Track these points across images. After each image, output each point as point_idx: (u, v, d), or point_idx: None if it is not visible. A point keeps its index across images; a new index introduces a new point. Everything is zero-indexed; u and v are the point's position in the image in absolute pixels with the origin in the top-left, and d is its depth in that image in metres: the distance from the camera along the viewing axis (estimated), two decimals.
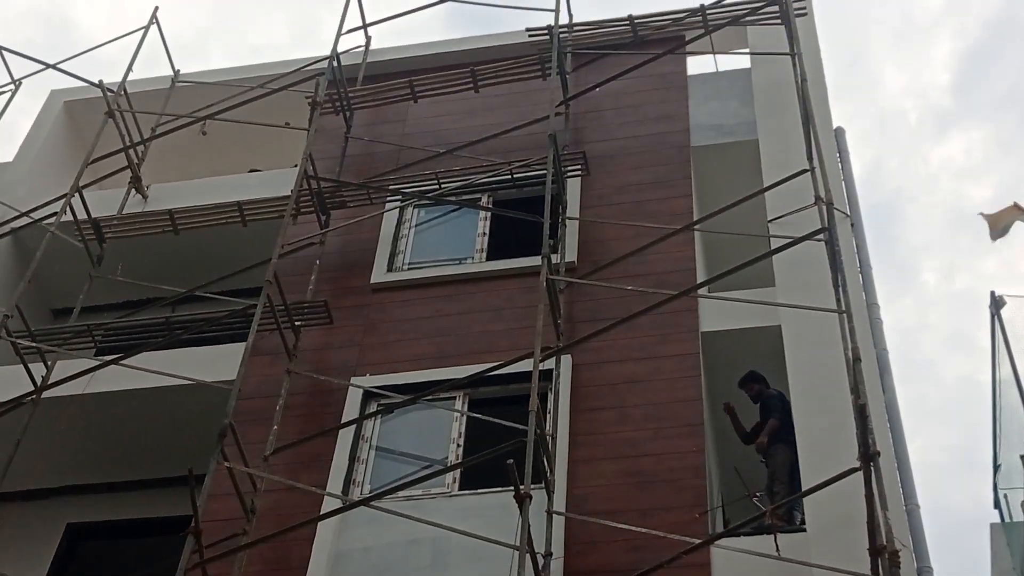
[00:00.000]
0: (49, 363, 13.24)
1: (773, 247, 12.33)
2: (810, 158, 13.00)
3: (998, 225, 17.20)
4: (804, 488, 10.67)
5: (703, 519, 10.82)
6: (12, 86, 17.82)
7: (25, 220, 15.10)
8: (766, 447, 11.96)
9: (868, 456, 9.78)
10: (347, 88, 16.00)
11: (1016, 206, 17.25)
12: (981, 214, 17.42)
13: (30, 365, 13.17)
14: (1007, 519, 16.36)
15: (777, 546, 10.27)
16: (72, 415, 13.38)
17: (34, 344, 13.49)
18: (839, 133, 15.34)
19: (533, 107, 14.99)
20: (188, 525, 10.37)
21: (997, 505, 16.72)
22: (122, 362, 12.97)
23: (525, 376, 11.31)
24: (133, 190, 15.79)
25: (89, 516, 13.90)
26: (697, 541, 10.15)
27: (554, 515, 10.67)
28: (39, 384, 12.88)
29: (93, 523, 13.87)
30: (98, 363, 13.16)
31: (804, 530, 10.64)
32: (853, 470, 9.90)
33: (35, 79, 18.18)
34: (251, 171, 16.93)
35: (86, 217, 14.96)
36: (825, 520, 10.41)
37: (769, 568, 10.21)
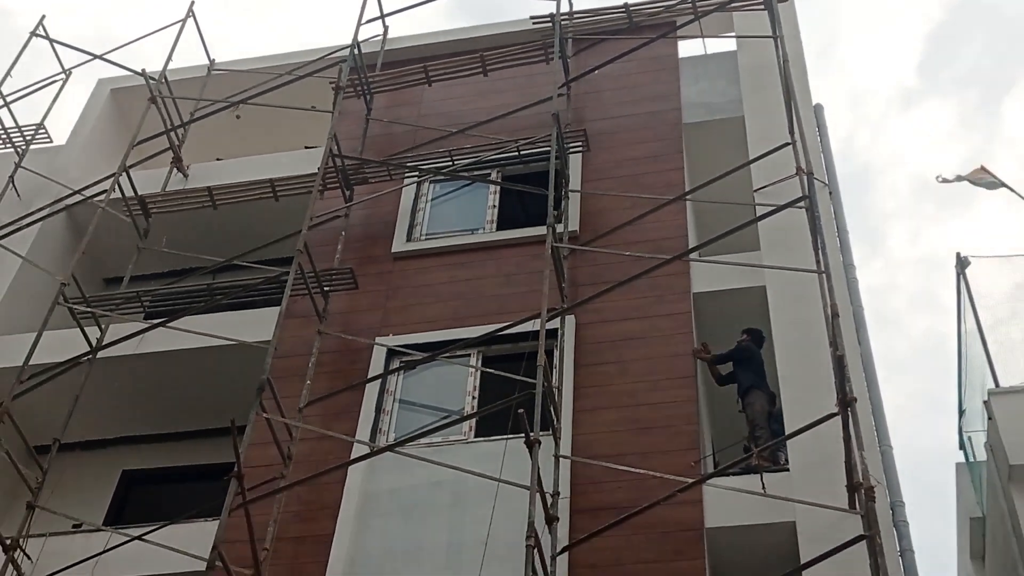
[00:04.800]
0: (103, 327, 13.36)
1: (758, 214, 12.42)
2: (791, 132, 13.04)
3: (966, 178, 17.08)
4: (787, 432, 10.75)
5: (696, 459, 10.91)
6: (63, 76, 17.87)
7: (78, 198, 15.15)
8: (719, 372, 12.04)
9: (845, 402, 9.92)
10: (367, 74, 16.00)
11: (983, 168, 17.15)
12: (940, 178, 17.24)
13: (86, 329, 13.30)
14: (971, 459, 16.37)
15: (763, 484, 10.38)
16: (125, 373, 13.51)
17: (89, 310, 13.61)
18: (818, 109, 15.28)
19: (537, 89, 14.96)
20: (231, 471, 10.39)
21: (962, 446, 16.73)
22: (169, 325, 13.11)
23: (533, 335, 11.41)
24: (175, 169, 15.82)
25: (142, 463, 14.08)
26: (690, 481, 10.26)
27: (561, 459, 10.76)
28: (94, 345, 13.04)
29: (146, 470, 14.04)
30: (147, 326, 13.31)
31: (787, 470, 10.71)
32: (832, 415, 10.04)
33: (81, 69, 18.20)
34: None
35: (133, 194, 15.05)
36: (807, 460, 10.52)
37: (756, 504, 10.31)
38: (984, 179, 17.16)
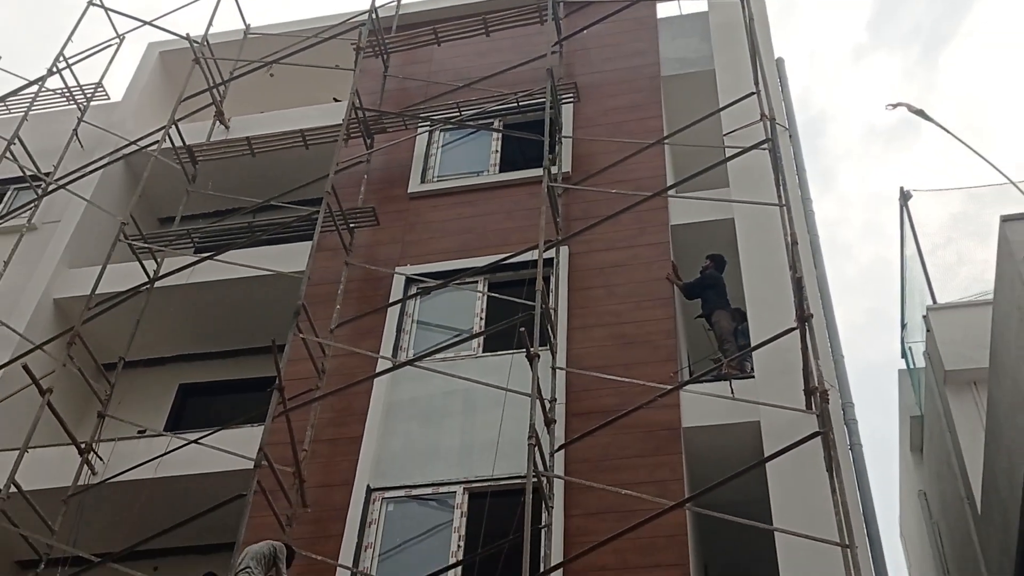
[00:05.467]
0: (159, 260, 13.37)
1: (727, 156, 12.38)
2: (756, 83, 12.96)
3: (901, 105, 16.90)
4: (752, 344, 10.86)
5: (673, 368, 10.96)
6: (117, 40, 17.69)
7: (133, 148, 15.05)
8: (688, 291, 12.00)
9: (803, 318, 9.97)
10: (384, 36, 15.81)
11: (922, 111, 16.92)
12: (888, 105, 17.05)
13: (144, 262, 13.33)
14: (911, 366, 16.45)
15: (732, 390, 10.50)
16: (179, 300, 13.55)
17: (146, 246, 13.61)
18: (780, 63, 15.13)
19: (533, 47, 14.83)
20: (273, 383, 10.54)
21: (904, 355, 16.80)
22: (216, 258, 13.12)
23: (532, 264, 11.44)
24: (217, 122, 15.69)
25: (196, 378, 14.14)
26: (669, 387, 10.38)
27: (557, 370, 10.87)
28: (152, 276, 13.06)
29: (199, 383, 14.10)
30: (197, 259, 13.29)
31: (753, 377, 10.78)
32: (791, 329, 10.10)
33: (133, 34, 17.98)
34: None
35: (181, 144, 14.98)
36: (769, 369, 10.59)
37: (726, 407, 10.42)
38: (916, 109, 16.96)
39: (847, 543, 8.24)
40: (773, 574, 9.09)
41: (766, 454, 9.50)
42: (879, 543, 9.80)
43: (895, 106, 16.69)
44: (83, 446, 11.53)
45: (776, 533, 9.11)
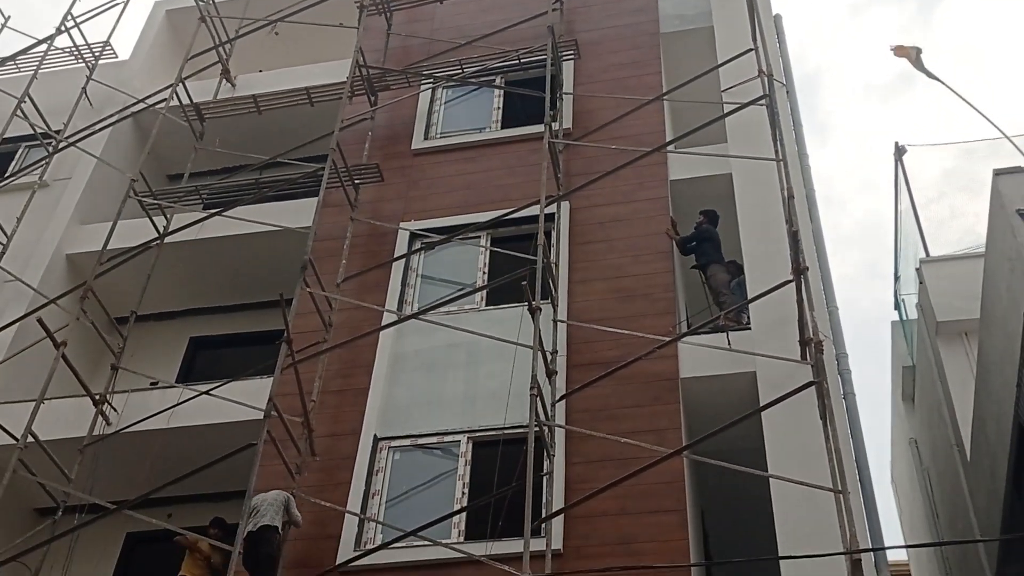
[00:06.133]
0: (168, 216, 13.34)
1: (725, 111, 12.33)
2: (754, 40, 12.87)
3: (901, 53, 16.67)
4: (749, 296, 10.87)
5: (671, 320, 10.97)
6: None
7: (142, 106, 14.98)
8: (685, 246, 11.96)
9: (799, 270, 10.00)
10: None
11: (918, 50, 16.69)
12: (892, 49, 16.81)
13: (154, 218, 13.30)
14: (904, 317, 16.52)
15: (729, 341, 10.53)
16: (188, 255, 13.53)
17: (156, 202, 13.57)
18: (777, 19, 15.00)
19: (534, 4, 14.67)
20: (282, 336, 10.58)
21: (897, 307, 16.87)
22: (224, 214, 13.11)
23: (533, 219, 11.45)
24: (224, 80, 15.60)
25: (207, 331, 14.13)
26: (667, 339, 10.42)
27: (558, 323, 10.88)
28: (162, 232, 13.05)
29: (210, 336, 14.09)
30: (205, 215, 13.30)
31: (749, 328, 10.80)
32: (787, 281, 10.13)
33: None
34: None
35: (189, 102, 14.90)
36: (766, 320, 10.60)
37: (722, 358, 10.46)
38: (917, 62, 16.75)
39: (839, 489, 8.31)
40: (768, 519, 9.17)
41: (761, 403, 9.52)
42: (871, 489, 9.88)
43: (898, 51, 16.46)
44: (97, 397, 11.60)
45: (771, 479, 9.17)
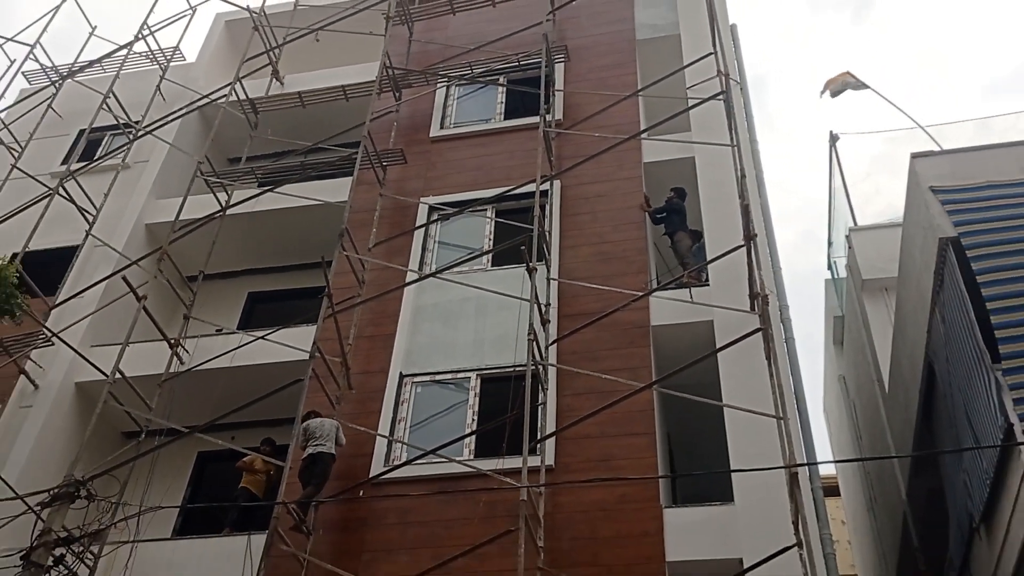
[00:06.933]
0: (229, 193, 13.27)
1: (689, 105, 12.25)
2: (714, 45, 12.75)
3: (832, 87, 16.67)
4: (708, 258, 10.85)
5: (644, 278, 11.00)
6: (190, 11, 17.38)
7: (205, 101, 14.92)
8: (656, 217, 11.89)
9: (749, 237, 9.99)
10: (409, 6, 15.53)
11: (848, 74, 16.72)
12: (822, 92, 16.79)
13: (217, 194, 13.26)
14: (835, 276, 16.55)
15: (691, 295, 10.52)
16: (246, 225, 13.49)
17: (218, 180, 13.54)
18: (734, 28, 14.92)
19: (532, 16, 14.53)
20: (323, 291, 10.61)
21: (830, 267, 16.90)
22: (275, 191, 13.08)
23: (530, 195, 11.39)
24: (274, 79, 15.53)
25: (262, 287, 14.09)
26: (640, 294, 10.44)
27: (551, 280, 10.89)
28: (223, 206, 12.97)
29: (264, 291, 14.06)
30: (259, 192, 13.26)
31: (708, 285, 10.77)
32: (740, 246, 10.12)
33: (203, 6, 17.72)
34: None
35: (245, 97, 14.81)
36: (721, 278, 10.57)
37: (686, 309, 10.45)
38: (850, 82, 16.71)
39: (781, 416, 8.37)
40: (722, 441, 9.23)
41: (717, 346, 9.55)
42: (806, 417, 9.95)
43: (831, 85, 16.47)
44: (173, 342, 11.62)
45: (725, 409, 9.21)
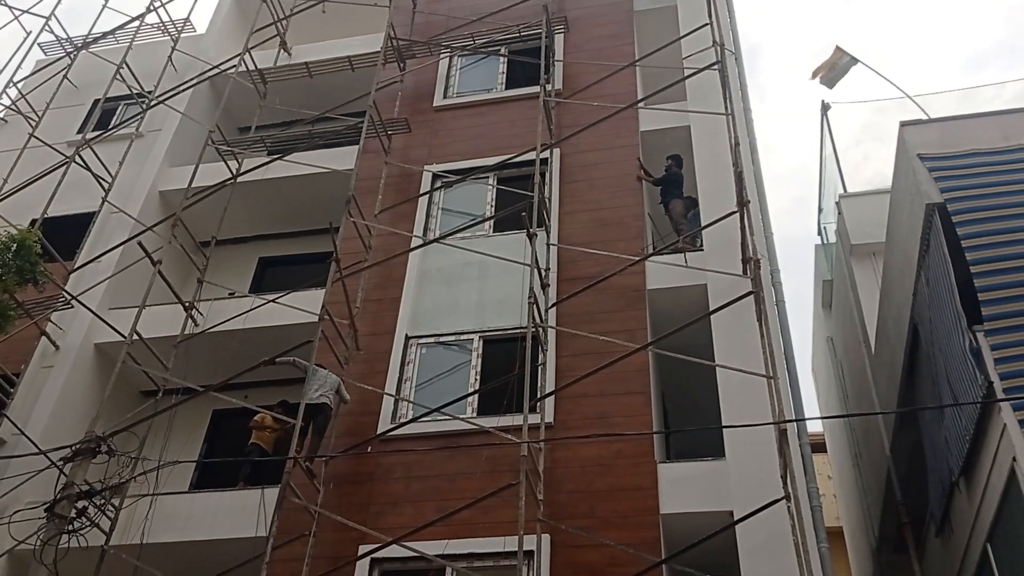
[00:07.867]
0: (240, 160, 13.27)
1: (685, 75, 12.16)
2: (710, 16, 12.61)
3: (825, 70, 16.32)
4: (702, 224, 10.84)
5: (640, 244, 10.96)
6: None
7: (216, 71, 14.80)
8: (651, 180, 11.83)
9: (742, 203, 9.95)
10: None
11: (838, 49, 16.43)
12: (814, 73, 16.43)
13: (228, 162, 13.23)
14: (825, 241, 16.53)
15: (686, 260, 10.51)
16: (256, 192, 13.44)
17: (229, 149, 13.49)
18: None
19: None
20: (331, 256, 10.61)
21: (819, 233, 16.87)
22: (284, 159, 13.03)
23: (531, 162, 11.35)
24: (282, 50, 15.40)
25: (272, 252, 14.07)
26: (637, 259, 10.43)
27: (551, 246, 10.89)
28: (234, 173, 12.95)
29: (275, 256, 14.05)
30: (269, 160, 13.20)
31: (702, 250, 10.76)
32: (733, 212, 10.09)
33: None
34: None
35: (254, 68, 14.69)
36: (715, 243, 10.56)
37: (680, 274, 10.45)
38: (840, 62, 16.40)
39: (771, 375, 8.40)
40: (714, 399, 9.29)
41: (711, 309, 9.58)
42: (795, 376, 9.97)
43: (820, 72, 16.22)
44: (187, 304, 11.67)
45: (717, 369, 9.25)
